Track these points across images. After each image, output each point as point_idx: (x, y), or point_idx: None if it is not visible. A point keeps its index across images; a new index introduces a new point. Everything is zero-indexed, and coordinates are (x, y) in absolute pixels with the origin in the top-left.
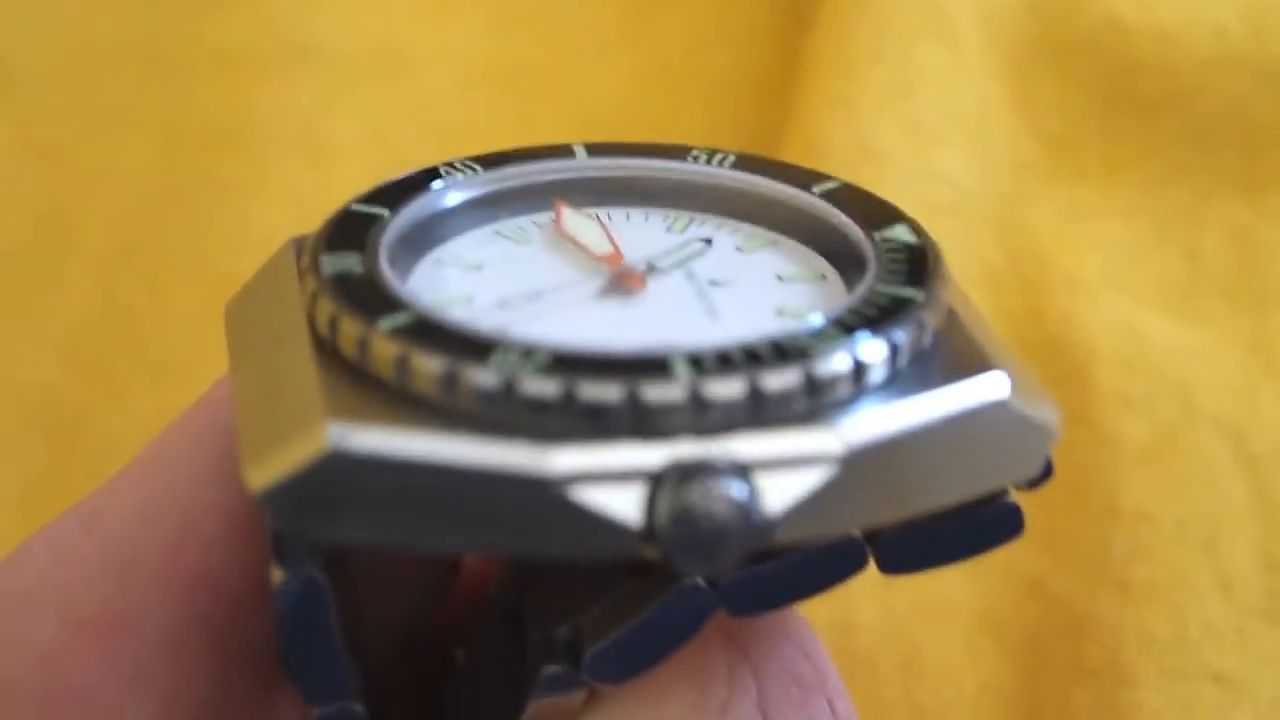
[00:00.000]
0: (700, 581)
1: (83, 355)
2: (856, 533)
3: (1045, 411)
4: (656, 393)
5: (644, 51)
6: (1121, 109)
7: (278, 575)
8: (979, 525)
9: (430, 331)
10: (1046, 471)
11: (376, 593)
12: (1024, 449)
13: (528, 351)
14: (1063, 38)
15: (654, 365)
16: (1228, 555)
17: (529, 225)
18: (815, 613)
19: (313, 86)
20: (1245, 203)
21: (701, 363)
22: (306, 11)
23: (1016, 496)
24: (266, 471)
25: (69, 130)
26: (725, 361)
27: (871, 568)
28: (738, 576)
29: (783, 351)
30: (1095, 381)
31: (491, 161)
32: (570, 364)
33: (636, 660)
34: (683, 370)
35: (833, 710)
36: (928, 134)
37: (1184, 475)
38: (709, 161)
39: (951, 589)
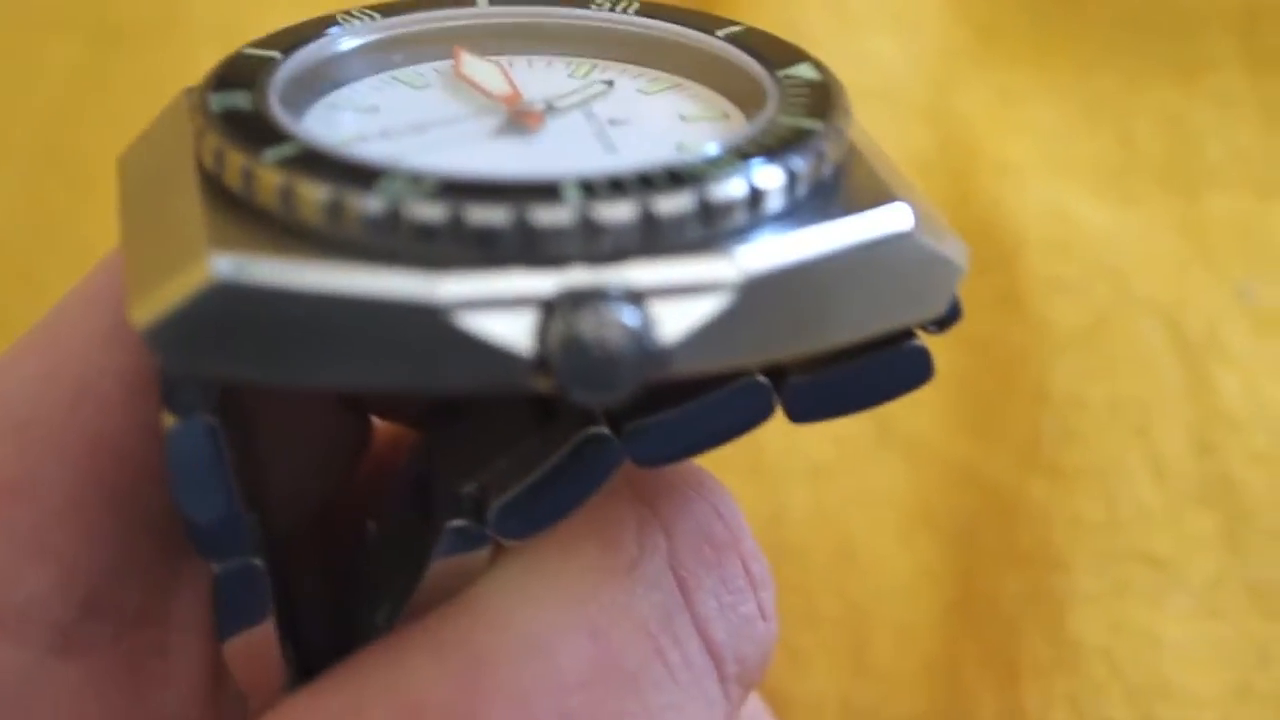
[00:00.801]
0: (604, 430)
1: (6, 254)
2: (757, 366)
3: (951, 247)
4: (546, 216)
5: None
6: None
7: (168, 420)
8: (887, 368)
9: (316, 161)
10: (954, 313)
11: (282, 453)
12: (930, 284)
13: (415, 178)
14: None
15: (544, 190)
16: (1160, 439)
17: (427, 71)
18: (744, 503)
19: None
20: (1176, 86)
21: (593, 188)
22: None
23: (928, 341)
24: (150, 307)
25: None
26: (617, 186)
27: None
28: (642, 423)
29: (676, 177)
30: (1025, 266)
31: (390, 9)
32: (458, 190)
33: (541, 514)
34: (573, 194)
35: (747, 571)
36: (856, 19)
37: (1115, 359)
38: (612, 9)
39: (882, 477)
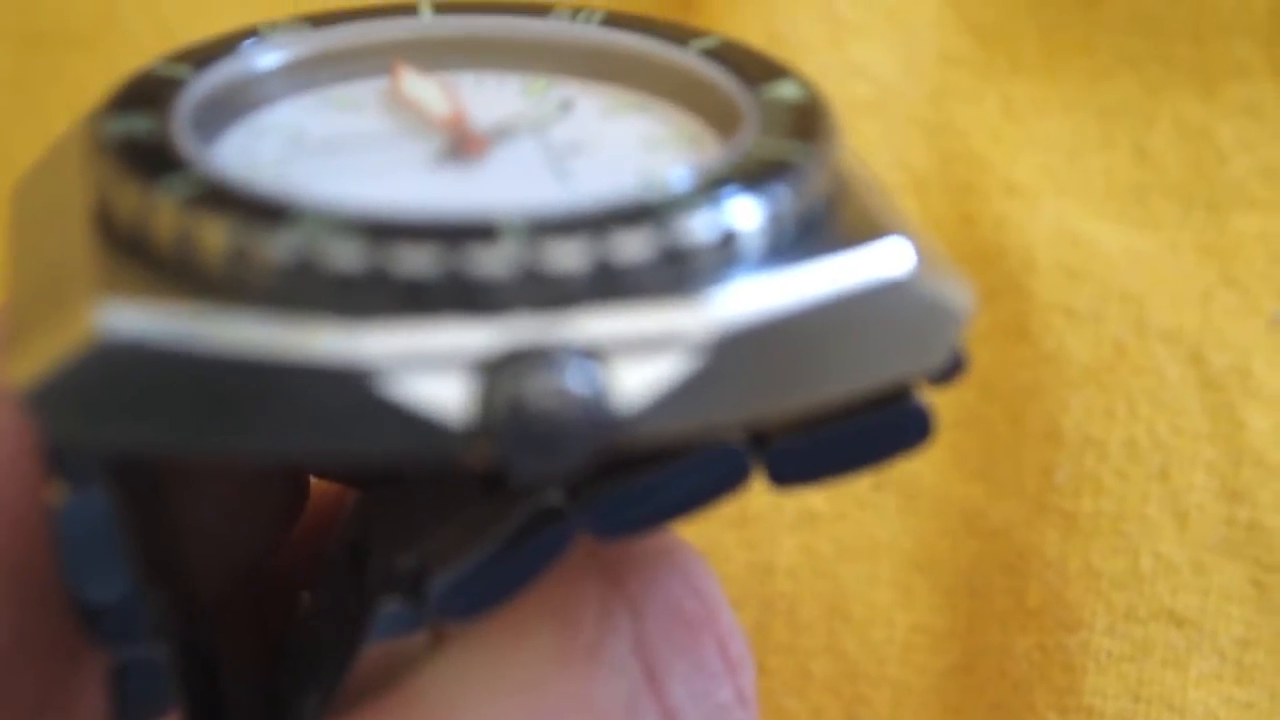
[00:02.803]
0: (558, 499)
1: None
2: (733, 430)
3: (954, 289)
4: (482, 262)
5: None
6: None
7: (55, 494)
8: (881, 428)
9: (218, 197)
10: (958, 364)
11: (202, 515)
12: (929, 332)
13: (329, 217)
14: None
15: (480, 230)
16: (1182, 482)
17: (363, 90)
18: (728, 556)
19: None
20: (1197, 96)
21: (538, 226)
22: None
23: (927, 395)
24: (30, 365)
25: None
26: (566, 225)
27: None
28: (600, 491)
29: (636, 212)
30: (1035, 293)
31: (322, 20)
32: (379, 231)
33: (488, 594)
34: (514, 235)
35: (723, 652)
36: (847, 25)
37: (1133, 395)
38: (573, 19)
39: (879, 524)
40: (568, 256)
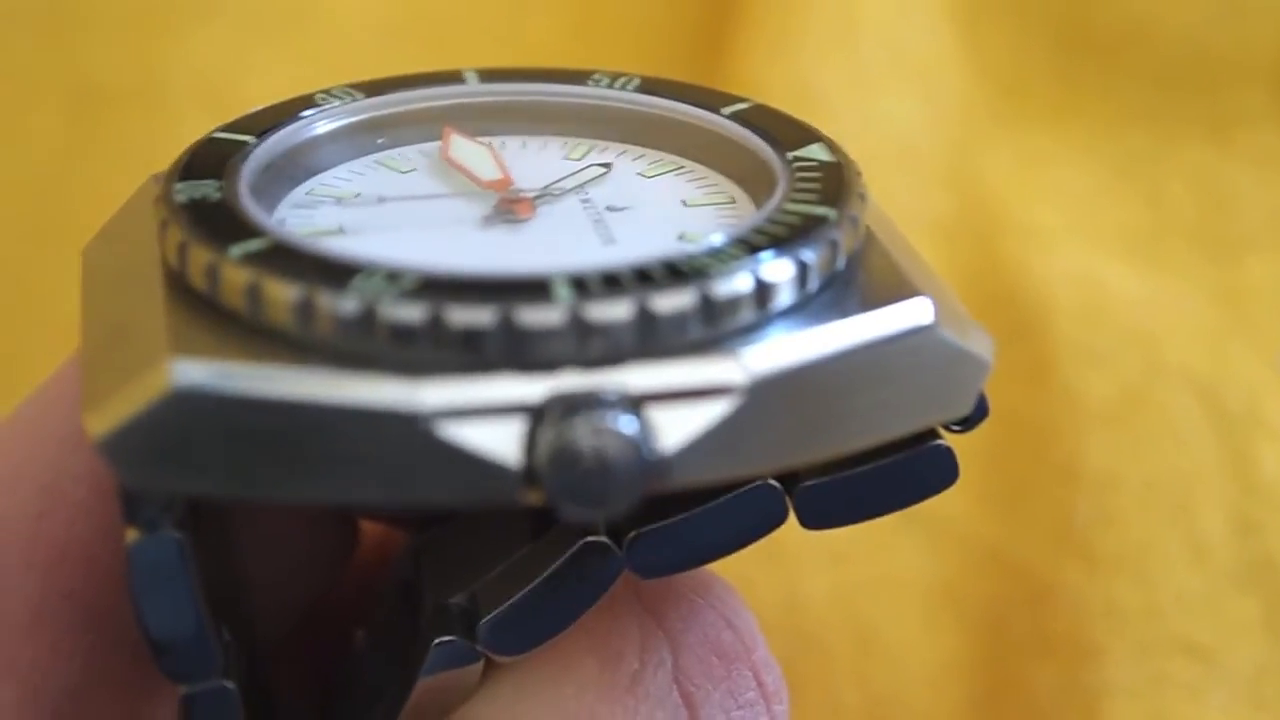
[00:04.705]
0: (603, 538)
1: None
2: (766, 475)
3: (976, 341)
4: (534, 317)
5: None
6: (1076, 47)
7: (130, 535)
8: (907, 471)
9: (286, 257)
10: (981, 411)
11: (260, 561)
12: (954, 383)
13: (392, 275)
14: None
15: (532, 287)
16: (1199, 519)
17: (413, 154)
18: (760, 590)
19: (223, 42)
20: (1210, 143)
21: (585, 284)
22: None
23: (952, 440)
24: (106, 417)
25: None
26: (612, 282)
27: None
28: (643, 530)
29: (676, 271)
30: (1054, 336)
31: (374, 88)
32: (439, 288)
33: (535, 629)
34: (564, 292)
35: (759, 683)
36: (872, 79)
37: (1151, 434)
38: (611, 86)
39: (906, 560)
40: (613, 310)
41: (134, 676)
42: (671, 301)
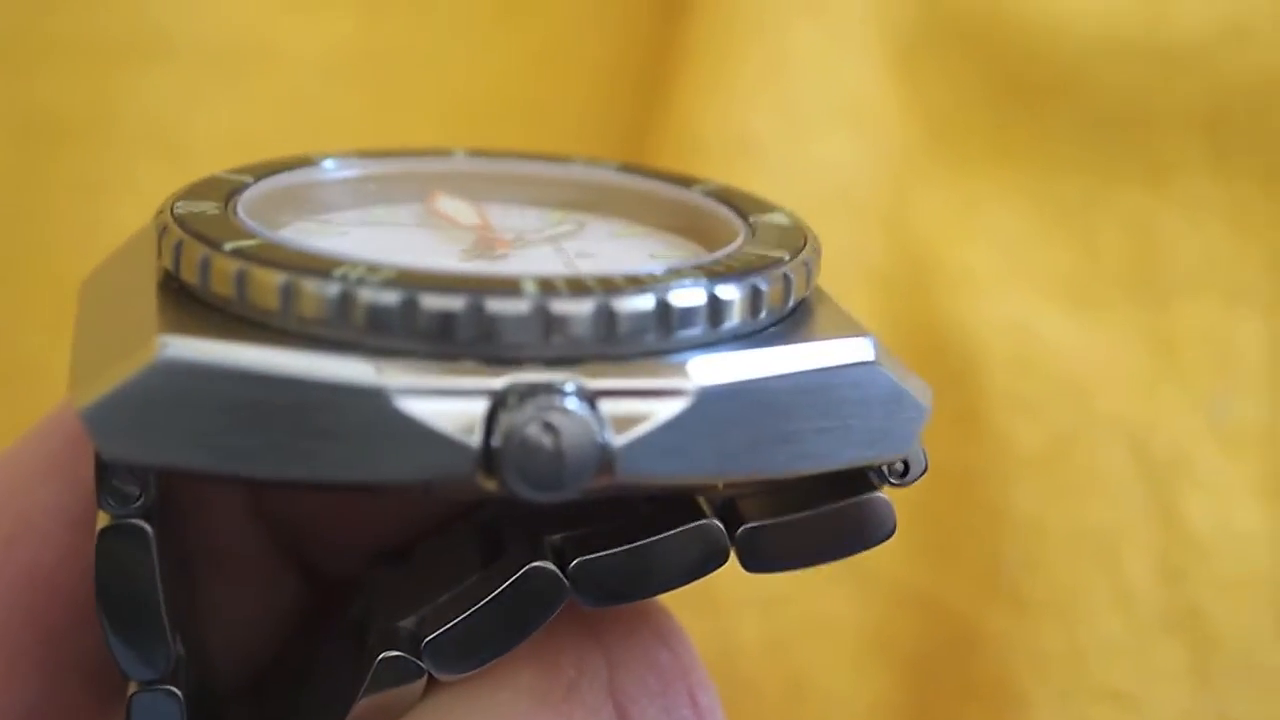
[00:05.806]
0: (548, 564)
1: None
2: (709, 482)
3: (916, 387)
4: (503, 306)
5: (517, 39)
6: (1012, 93)
7: (102, 520)
8: (847, 520)
9: (274, 251)
10: (920, 466)
11: (217, 614)
12: (893, 420)
13: (372, 267)
14: (949, 21)
15: (503, 284)
16: (1126, 567)
17: (401, 211)
18: (692, 633)
19: (175, 80)
20: (1144, 190)
21: (552, 284)
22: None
23: (891, 496)
24: (92, 389)
25: None
26: (577, 285)
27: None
28: (588, 559)
29: (637, 280)
30: (986, 383)
31: (368, 153)
32: (415, 278)
33: (478, 650)
34: (532, 288)
35: (693, 701)
36: (806, 121)
37: (1079, 482)
38: (588, 166)
39: (836, 605)
40: (577, 308)
41: (88, 700)
42: (631, 304)
